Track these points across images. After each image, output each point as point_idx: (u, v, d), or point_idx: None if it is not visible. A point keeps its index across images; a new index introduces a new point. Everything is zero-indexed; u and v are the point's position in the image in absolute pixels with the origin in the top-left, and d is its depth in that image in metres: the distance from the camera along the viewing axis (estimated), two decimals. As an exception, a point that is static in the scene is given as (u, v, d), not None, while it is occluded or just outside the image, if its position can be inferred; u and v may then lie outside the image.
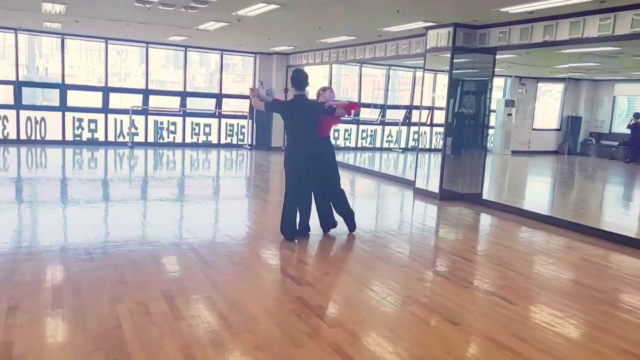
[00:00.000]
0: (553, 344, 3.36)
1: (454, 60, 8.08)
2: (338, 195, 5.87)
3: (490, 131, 13.43)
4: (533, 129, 17.77)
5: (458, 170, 8.54)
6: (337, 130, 15.89)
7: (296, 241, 5.53)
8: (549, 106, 18.65)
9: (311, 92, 6.63)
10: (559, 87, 18.32)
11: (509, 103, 16.36)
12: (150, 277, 4.25)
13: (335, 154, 5.93)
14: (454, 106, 8.40)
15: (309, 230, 5.78)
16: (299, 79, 5.44)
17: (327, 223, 5.90)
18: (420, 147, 10.72)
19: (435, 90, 9.61)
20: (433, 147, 15.96)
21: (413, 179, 9.21)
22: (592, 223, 7.03)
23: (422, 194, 8.70)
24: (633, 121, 15.43)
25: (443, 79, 8.74)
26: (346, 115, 5.91)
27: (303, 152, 5.44)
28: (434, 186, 8.58)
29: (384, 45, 10.35)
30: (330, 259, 5.15)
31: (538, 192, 10.92)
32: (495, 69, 8.35)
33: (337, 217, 5.97)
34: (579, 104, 17.74)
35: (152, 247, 5.08)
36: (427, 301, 3.99)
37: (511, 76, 16.46)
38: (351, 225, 5.98)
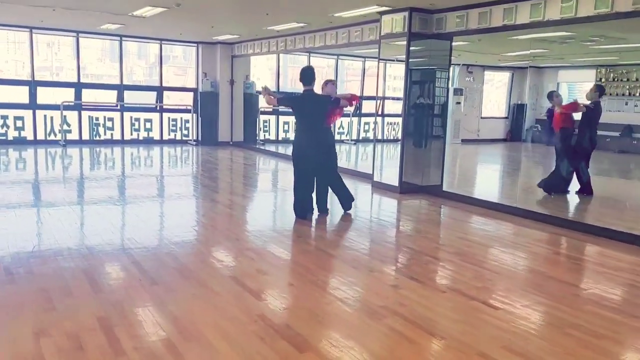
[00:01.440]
0: (548, 356, 3.01)
1: (410, 48, 7.71)
2: (336, 179, 6.45)
3: (440, 120, 13.30)
4: (481, 118, 17.88)
5: (417, 161, 8.21)
6: (287, 123, 15.37)
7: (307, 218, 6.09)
8: (493, 94, 18.83)
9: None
10: (504, 75, 18.51)
11: (458, 92, 16.31)
12: (84, 300, 3.62)
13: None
14: (411, 96, 8.05)
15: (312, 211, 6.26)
16: (307, 76, 5.98)
17: (322, 205, 6.39)
18: (373, 138, 10.33)
19: (386, 79, 9.27)
20: (386, 137, 15.77)
21: (370, 172, 8.82)
22: (555, 212, 6.88)
23: (381, 188, 8.33)
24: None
25: (396, 68, 8.40)
26: (348, 106, 6.61)
27: (311, 141, 6.00)
28: (392, 179, 8.22)
29: (335, 32, 9.88)
30: (292, 266, 4.66)
31: (495, 181, 10.85)
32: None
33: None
34: (524, 92, 17.99)
35: (86, 262, 4.42)
36: (405, 312, 3.57)
37: (459, 64, 16.42)
38: (347, 205, 6.49)
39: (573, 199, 8.08)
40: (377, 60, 8.57)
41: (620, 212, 7.56)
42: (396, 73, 8.76)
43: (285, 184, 9.74)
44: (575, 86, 18.14)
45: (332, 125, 6.51)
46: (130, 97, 13.79)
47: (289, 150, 14.06)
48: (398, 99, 8.59)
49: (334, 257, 4.89)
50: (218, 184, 9.19)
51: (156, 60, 14.09)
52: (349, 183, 9.04)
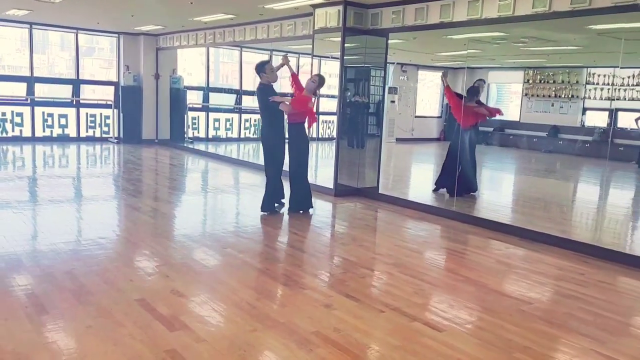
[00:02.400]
0: (500, 388, 2.68)
1: (345, 45, 7.32)
2: (296, 178, 6.43)
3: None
4: (415, 117, 17.93)
5: (353, 162, 7.86)
6: (217, 120, 14.66)
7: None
8: (426, 94, 18.96)
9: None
10: (437, 75, 18.64)
11: (392, 90, 16.20)
12: (-53, 339, 2.93)
13: (307, 142, 6.49)
14: (346, 94, 7.67)
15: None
16: (256, 67, 6.21)
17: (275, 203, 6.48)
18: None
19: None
20: (320, 136, 15.41)
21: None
22: (494, 216, 6.72)
23: (316, 190, 7.86)
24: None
25: (331, 65, 8.03)
26: (298, 111, 6.21)
27: (261, 132, 6.40)
28: (327, 181, 7.82)
29: (267, 26, 9.35)
30: (214, 286, 4.11)
31: (430, 182, 10.64)
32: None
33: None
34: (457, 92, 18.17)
35: (-39, 287, 3.68)
36: (340, 338, 3.14)
37: (393, 63, 16.32)
38: (293, 206, 6.44)
39: (505, 200, 8.02)
40: (311, 56, 8.13)
41: (551, 214, 7.55)
42: (331, 70, 8.40)
43: (217, 186, 9.15)
44: (504, 87, 18.63)
45: (299, 122, 6.24)
46: (46, 91, 12.66)
47: (219, 149, 13.46)
48: (333, 96, 8.24)
49: (262, 272, 4.39)
50: (139, 187, 8.40)
51: (81, 51, 12.99)
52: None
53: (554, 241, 5.45)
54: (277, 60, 7.34)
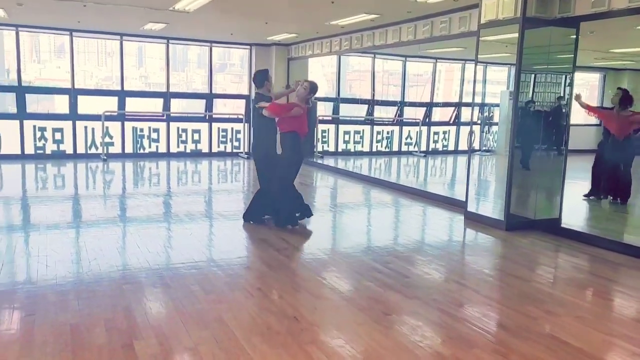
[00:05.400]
0: None
1: (524, 40, 5.85)
2: (273, 192, 5.95)
3: (494, 128, 11.23)
4: (570, 125, 15.60)
5: (527, 187, 6.34)
6: (347, 133, 13.69)
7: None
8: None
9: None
10: (592, 77, 16.32)
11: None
12: None
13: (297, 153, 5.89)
14: (520, 101, 6.19)
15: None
16: (258, 75, 6.14)
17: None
18: (440, 149, 8.50)
19: (463, 81, 7.50)
20: (459, 149, 13.84)
21: (458, 197, 7.03)
22: None
23: (477, 221, 6.47)
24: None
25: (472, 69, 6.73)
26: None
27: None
28: (493, 210, 6.38)
29: (414, 25, 8.14)
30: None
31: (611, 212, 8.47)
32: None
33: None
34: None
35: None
36: None
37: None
38: (276, 220, 5.96)
39: None
40: (449, 61, 6.82)
41: None
42: (471, 76, 7.13)
43: (344, 205, 7.96)
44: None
45: (290, 130, 5.83)
46: (178, 106, 12.69)
47: (349, 163, 12.49)
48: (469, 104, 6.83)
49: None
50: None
51: (215, 68, 12.92)
52: (429, 212, 7.28)
53: None
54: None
